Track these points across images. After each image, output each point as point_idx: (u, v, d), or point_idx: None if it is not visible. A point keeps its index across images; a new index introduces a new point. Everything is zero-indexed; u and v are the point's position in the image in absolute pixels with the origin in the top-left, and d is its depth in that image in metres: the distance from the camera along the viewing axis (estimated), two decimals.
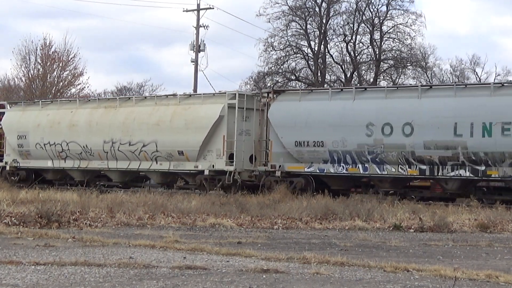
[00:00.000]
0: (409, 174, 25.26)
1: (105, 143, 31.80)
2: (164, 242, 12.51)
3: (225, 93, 29.58)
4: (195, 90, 52.27)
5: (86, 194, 22.19)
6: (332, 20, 53.73)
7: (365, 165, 25.95)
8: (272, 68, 53.70)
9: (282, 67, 53.90)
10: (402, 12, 52.92)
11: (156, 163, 30.41)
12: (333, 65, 54.66)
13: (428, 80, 55.41)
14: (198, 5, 54.02)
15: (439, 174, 24.67)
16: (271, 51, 53.41)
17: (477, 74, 62.78)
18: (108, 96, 59.54)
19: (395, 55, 53.75)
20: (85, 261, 10.11)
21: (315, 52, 53.29)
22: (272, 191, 26.26)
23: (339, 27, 53.81)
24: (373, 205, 20.02)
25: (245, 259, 10.82)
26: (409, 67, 54.36)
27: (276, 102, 28.04)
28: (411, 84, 27.10)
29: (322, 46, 53.33)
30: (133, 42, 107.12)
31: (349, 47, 53.66)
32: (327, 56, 53.89)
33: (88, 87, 62.30)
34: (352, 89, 27.58)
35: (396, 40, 53.57)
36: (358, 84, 50.87)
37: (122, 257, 10.74)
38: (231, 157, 28.55)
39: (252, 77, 55.11)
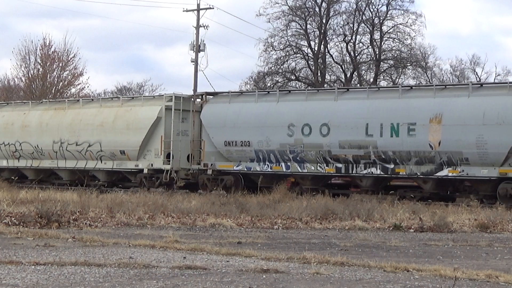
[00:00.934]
0: (326, 172, 26.78)
1: (55, 143, 33.47)
2: (164, 242, 12.51)
3: (163, 95, 31.63)
4: (195, 90, 52.24)
5: (86, 194, 22.20)
6: (332, 20, 53.80)
7: (288, 163, 27.49)
8: (272, 68, 53.75)
9: (282, 67, 53.94)
10: (402, 12, 53.00)
11: (101, 162, 32.13)
12: (333, 65, 54.72)
13: (428, 80, 55.44)
14: (198, 5, 54.02)
15: (354, 172, 26.21)
16: (271, 51, 53.49)
17: (477, 74, 62.82)
18: (108, 95, 59.55)
19: (395, 55, 53.76)
20: (85, 261, 10.11)
21: (315, 52, 53.30)
22: (206, 188, 28.54)
23: (339, 27, 53.89)
24: (373, 205, 20.03)
25: (245, 259, 10.82)
26: (409, 67, 54.38)
27: (208, 104, 29.79)
28: (331, 87, 28.85)
29: (322, 46, 53.35)
30: (133, 42, 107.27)
31: (349, 47, 53.69)
32: (327, 56, 53.91)
33: (88, 87, 62.51)
34: (276, 92, 29.13)
35: (396, 40, 53.63)
36: (358, 84, 50.92)
37: (122, 257, 10.74)
38: (169, 156, 30.12)
39: (252, 77, 55.22)
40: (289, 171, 27.51)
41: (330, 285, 8.78)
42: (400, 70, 54.27)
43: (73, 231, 14.47)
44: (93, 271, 9.38)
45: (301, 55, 54.08)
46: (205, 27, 54.05)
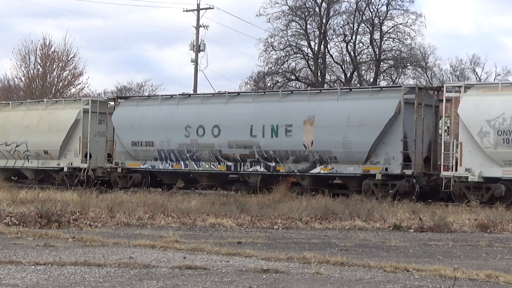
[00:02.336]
0: (219, 170, 29.01)
1: None
2: (164, 242, 12.51)
3: (81, 99, 34.75)
4: (195, 90, 52.28)
5: (86, 194, 22.20)
6: (332, 20, 53.79)
7: (186, 162, 29.75)
8: (272, 68, 53.74)
9: (282, 67, 53.93)
10: (402, 12, 52.99)
11: (28, 161, 34.79)
12: (333, 65, 54.71)
13: (428, 80, 55.47)
14: (198, 5, 54.04)
15: (241, 170, 28.49)
16: (271, 51, 53.48)
17: (477, 74, 62.85)
18: (108, 96, 59.54)
19: (395, 55, 53.76)
20: (85, 261, 10.11)
21: (315, 52, 53.30)
22: (117, 185, 30.93)
23: (339, 27, 53.88)
24: (373, 205, 20.02)
25: (245, 259, 10.82)
26: (409, 67, 54.38)
27: (119, 107, 32.24)
28: (221, 91, 31.00)
29: (322, 46, 53.34)
30: (134, 42, 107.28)
31: (349, 47, 53.69)
32: (327, 56, 53.91)
33: (88, 86, 62.40)
34: (177, 96, 31.15)
35: (396, 40, 53.62)
36: (358, 85, 50.94)
37: (122, 257, 10.74)
38: (87, 155, 32.64)
39: (252, 77, 55.19)
40: (187, 169, 29.70)
41: (330, 285, 8.78)
42: (400, 70, 54.28)
43: (73, 231, 14.47)
44: (93, 271, 9.38)
45: (301, 55, 54.10)
46: (205, 27, 54.12)
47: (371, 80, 53.04)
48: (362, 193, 25.11)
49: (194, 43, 53.72)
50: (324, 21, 53.03)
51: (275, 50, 53.51)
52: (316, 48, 53.43)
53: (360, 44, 54.11)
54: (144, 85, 70.52)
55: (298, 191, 26.06)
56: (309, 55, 53.82)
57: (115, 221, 16.27)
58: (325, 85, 50.29)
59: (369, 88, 27.75)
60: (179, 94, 31.56)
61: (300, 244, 13.21)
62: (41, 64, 58.84)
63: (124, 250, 11.70)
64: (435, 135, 26.15)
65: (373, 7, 53.14)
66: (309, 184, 26.95)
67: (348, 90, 28.02)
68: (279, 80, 53.85)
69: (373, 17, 53.05)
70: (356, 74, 54.02)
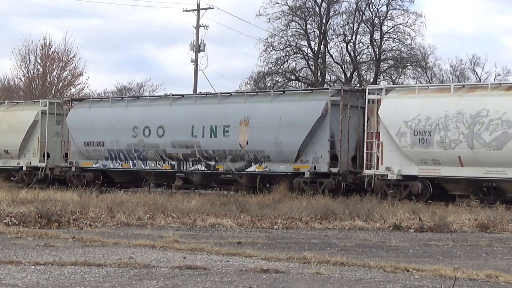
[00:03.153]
0: (163, 168, 30.42)
1: None
2: (164, 242, 12.51)
3: (39, 101, 35.72)
4: (195, 90, 52.28)
5: (86, 194, 22.20)
6: (332, 20, 53.78)
7: (134, 161, 31.22)
8: (272, 68, 53.74)
9: (282, 67, 53.93)
10: (402, 12, 52.98)
11: None
12: (333, 65, 54.71)
13: (428, 80, 55.47)
14: (198, 5, 54.04)
15: (184, 168, 29.86)
16: (271, 51, 53.47)
17: (477, 74, 62.88)
18: (108, 95, 59.49)
19: (395, 55, 53.76)
20: (85, 261, 10.11)
21: (315, 52, 53.29)
22: (72, 184, 31.81)
23: (339, 27, 53.87)
24: (373, 205, 20.02)
25: (245, 259, 10.82)
26: (409, 67, 54.38)
27: (73, 109, 33.63)
28: (167, 94, 33.01)
29: (322, 46, 53.33)
30: (135, 42, 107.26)
31: (349, 47, 53.68)
32: (327, 56, 53.90)
33: (88, 86, 62.38)
34: (126, 98, 33.23)
35: (396, 40, 53.62)
36: (358, 85, 50.93)
37: (122, 257, 10.74)
38: (46, 155, 34.05)
39: (252, 77, 55.18)
40: (135, 168, 31.29)
41: (330, 285, 8.78)
42: (400, 70, 54.28)
43: (73, 231, 14.47)
44: (93, 271, 9.38)
45: (301, 55, 54.09)
46: (205, 27, 54.11)
47: (371, 80, 53.04)
48: (293, 191, 26.29)
49: (194, 43, 53.72)
50: (324, 21, 53.03)
51: (275, 50, 53.55)
52: (316, 48, 53.43)
53: (360, 44, 54.17)
54: (144, 85, 70.53)
55: (236, 188, 27.90)
56: (309, 55, 53.83)
57: (115, 221, 16.26)
58: (325, 85, 50.28)
59: (299, 90, 29.29)
60: (128, 96, 33.97)
61: (300, 244, 13.21)
62: (41, 64, 58.85)
63: (124, 250, 11.70)
64: (363, 135, 26.82)
65: (373, 7, 53.18)
66: (246, 182, 28.41)
67: (282, 92, 29.29)
68: (279, 80, 53.86)
69: (373, 17, 53.07)
70: (356, 74, 54.02)
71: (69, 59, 59.11)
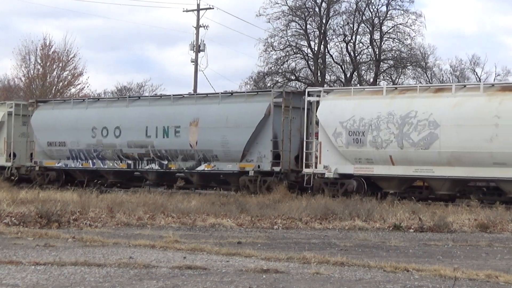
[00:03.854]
0: (121, 167, 31.72)
1: None
2: (164, 242, 12.51)
3: (5, 103, 36.76)
4: (195, 90, 52.28)
5: (86, 194, 22.20)
6: (332, 20, 53.78)
7: (93, 160, 32.52)
8: (272, 68, 53.74)
9: (282, 67, 53.93)
10: (402, 12, 53.00)
11: None
12: (333, 65, 54.71)
13: (428, 80, 55.47)
14: (198, 5, 54.05)
15: (140, 167, 31.21)
16: (271, 51, 53.47)
17: (476, 74, 62.87)
18: (107, 95, 59.55)
19: (395, 55, 53.76)
20: (85, 261, 10.11)
21: (315, 52, 53.30)
22: (36, 182, 32.46)
23: (339, 27, 53.88)
24: (373, 205, 20.02)
25: (245, 259, 10.82)
26: (409, 67, 54.38)
27: (37, 110, 34.68)
28: (125, 96, 35.43)
29: (322, 46, 53.34)
30: (135, 42, 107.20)
31: (349, 47, 53.69)
32: (327, 56, 53.90)
33: (88, 86, 62.37)
34: (86, 100, 34.79)
35: (396, 40, 53.62)
36: (358, 85, 50.95)
37: (122, 257, 10.74)
38: (12, 155, 35.26)
39: (252, 77, 55.20)
40: (94, 167, 32.55)
41: (330, 285, 8.78)
42: (400, 70, 54.30)
43: (73, 231, 14.47)
44: (93, 271, 9.38)
45: (301, 55, 54.09)
46: (205, 27, 54.11)
47: (371, 80, 53.06)
48: (240, 189, 27.74)
49: (194, 43, 53.72)
50: (324, 21, 53.03)
51: (275, 50, 53.55)
52: (316, 48, 53.43)
53: (360, 44, 54.18)
54: (144, 85, 70.46)
55: (189, 187, 29.51)
56: (309, 55, 53.83)
57: (115, 221, 16.26)
58: (325, 85, 50.30)
59: (245, 93, 30.65)
60: (88, 98, 35.97)
61: (300, 244, 13.21)
62: (41, 64, 58.84)
63: (124, 250, 11.70)
64: (306, 135, 27.68)
65: (373, 7, 53.21)
66: (197, 181, 29.76)
67: (230, 94, 30.12)
68: (279, 80, 53.86)
69: (373, 17, 53.08)
70: (356, 74, 54.02)
71: (69, 59, 59.15)
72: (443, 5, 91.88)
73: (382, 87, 27.52)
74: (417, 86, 27.11)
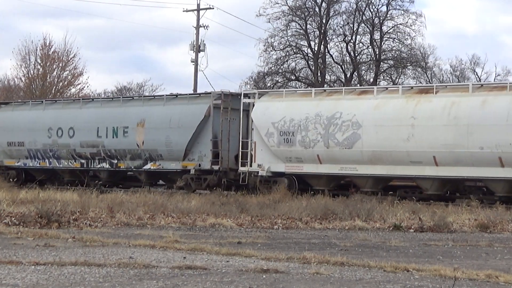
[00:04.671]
0: (75, 166, 33.35)
1: None
2: (164, 242, 12.50)
3: None
4: (195, 90, 52.26)
5: (86, 194, 22.19)
6: (332, 20, 53.75)
7: (50, 160, 34.00)
8: (272, 68, 53.71)
9: (282, 67, 53.90)
10: (402, 12, 52.97)
11: None
12: (333, 65, 54.68)
13: (428, 80, 55.45)
14: (198, 5, 54.02)
15: (92, 166, 32.77)
16: (271, 51, 53.44)
17: (476, 74, 62.88)
18: (108, 95, 59.53)
19: (395, 55, 53.74)
20: (85, 261, 10.11)
21: (315, 52, 53.28)
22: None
23: (339, 27, 53.84)
24: (373, 205, 20.00)
25: (245, 259, 10.82)
26: (409, 67, 54.37)
27: None
28: (78, 98, 37.54)
29: (322, 46, 53.32)
30: (136, 42, 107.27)
31: (349, 47, 53.67)
32: (327, 56, 53.88)
33: (88, 86, 62.31)
34: (43, 102, 36.16)
35: (396, 40, 53.59)
36: (359, 85, 50.96)
37: (122, 257, 10.74)
38: None
39: (252, 77, 55.16)
40: (51, 166, 33.99)
41: (330, 285, 8.78)
42: (400, 70, 54.27)
43: (73, 231, 14.46)
44: (93, 271, 9.38)
45: (301, 55, 54.07)
46: (205, 27, 54.08)
47: (371, 80, 53.04)
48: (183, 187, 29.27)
49: (194, 43, 53.70)
50: (324, 21, 53.01)
51: (275, 50, 53.52)
52: (316, 48, 53.42)
53: (360, 44, 54.15)
54: (144, 85, 70.47)
55: (138, 185, 30.42)
56: (309, 55, 53.81)
57: (115, 221, 16.26)
58: (325, 85, 50.32)
59: (187, 95, 31.98)
60: (46, 100, 37.35)
61: (300, 244, 13.21)
62: (41, 64, 58.80)
63: (124, 250, 11.70)
64: (243, 135, 29.09)
65: (373, 7, 53.18)
66: (145, 179, 31.24)
67: (175, 96, 31.67)
68: (279, 80, 53.84)
69: (373, 17, 53.06)
70: (356, 74, 54.02)
71: (69, 59, 59.11)
72: (443, 5, 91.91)
73: (311, 90, 29.01)
74: (342, 89, 28.55)
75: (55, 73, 59.24)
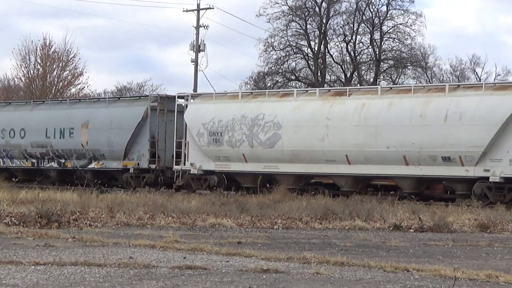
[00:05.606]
0: (26, 166, 35.39)
1: None
2: (164, 242, 12.50)
3: None
4: (195, 90, 52.23)
5: (86, 194, 22.18)
6: (332, 20, 53.82)
7: (4, 159, 36.24)
8: (272, 68, 53.75)
9: (282, 67, 53.94)
10: (402, 12, 53.03)
11: None
12: (333, 65, 54.74)
13: (428, 80, 55.44)
14: (198, 5, 54.01)
15: (42, 166, 34.67)
16: (271, 51, 53.50)
17: (476, 74, 62.88)
18: (108, 95, 59.49)
19: (395, 55, 53.76)
20: (85, 261, 10.10)
21: (315, 52, 53.31)
22: None
23: (339, 27, 53.91)
24: (373, 205, 20.00)
25: (245, 259, 10.81)
26: (409, 67, 54.38)
27: None
28: (29, 100, 39.12)
29: (322, 46, 53.35)
30: (137, 42, 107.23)
31: (349, 47, 53.70)
32: (327, 56, 53.92)
33: (88, 86, 62.33)
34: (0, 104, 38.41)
35: (396, 40, 53.64)
36: (358, 85, 50.98)
37: (122, 257, 10.73)
38: None
39: (252, 77, 55.19)
40: (5, 165, 36.01)
41: (330, 285, 8.78)
42: (400, 70, 54.30)
43: (73, 231, 14.46)
44: (93, 271, 9.38)
45: (301, 55, 54.10)
46: (205, 27, 54.08)
47: (371, 80, 53.06)
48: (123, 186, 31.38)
49: (194, 43, 53.69)
50: (324, 21, 53.05)
51: (275, 50, 53.58)
52: (316, 48, 53.45)
53: (360, 44, 54.22)
54: (144, 85, 70.46)
55: (83, 183, 31.15)
56: (309, 55, 53.85)
57: (115, 221, 16.25)
58: (325, 85, 50.33)
59: (128, 97, 34.14)
60: (0, 103, 39.32)
61: (300, 244, 13.20)
62: (41, 64, 58.85)
63: (124, 250, 11.69)
64: (178, 136, 30.67)
65: (373, 7, 53.25)
66: (91, 177, 32.68)
67: (117, 99, 33.93)
68: (279, 80, 53.86)
69: (373, 17, 53.11)
70: (356, 74, 54.03)
71: (69, 59, 59.16)
72: (443, 4, 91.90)
73: (238, 92, 30.72)
74: (266, 92, 30.50)
75: (55, 73, 59.33)
